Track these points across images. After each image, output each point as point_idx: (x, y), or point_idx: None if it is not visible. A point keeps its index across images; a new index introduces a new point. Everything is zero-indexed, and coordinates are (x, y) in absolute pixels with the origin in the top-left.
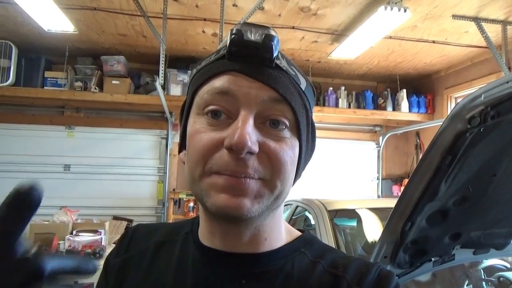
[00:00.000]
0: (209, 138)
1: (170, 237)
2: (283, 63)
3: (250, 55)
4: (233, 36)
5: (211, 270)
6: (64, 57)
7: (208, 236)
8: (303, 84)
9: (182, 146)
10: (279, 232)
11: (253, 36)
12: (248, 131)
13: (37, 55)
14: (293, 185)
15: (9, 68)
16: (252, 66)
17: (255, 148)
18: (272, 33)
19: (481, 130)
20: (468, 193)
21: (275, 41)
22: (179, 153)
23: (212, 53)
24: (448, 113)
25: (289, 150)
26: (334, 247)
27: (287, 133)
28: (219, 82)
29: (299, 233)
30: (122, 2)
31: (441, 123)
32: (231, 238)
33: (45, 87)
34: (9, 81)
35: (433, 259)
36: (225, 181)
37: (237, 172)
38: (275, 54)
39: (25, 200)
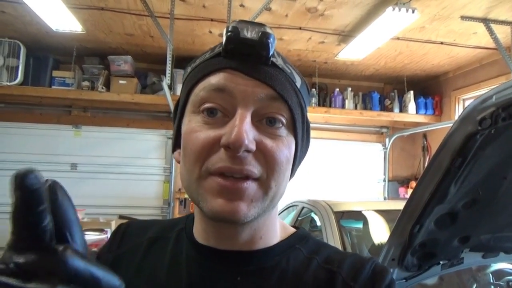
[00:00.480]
0: (205, 137)
1: (163, 233)
2: (279, 61)
3: (247, 53)
4: (229, 33)
5: (205, 267)
6: (72, 56)
7: (203, 234)
8: (298, 82)
9: (176, 145)
10: (274, 230)
11: (249, 33)
12: (245, 129)
13: (45, 55)
14: (289, 180)
15: (17, 67)
16: (248, 64)
17: (252, 147)
18: (268, 30)
19: (492, 132)
20: (477, 195)
21: (271, 39)
22: (173, 152)
23: (206, 50)
24: (456, 115)
25: (285, 149)
26: (340, 249)
27: (283, 131)
28: (215, 79)
29: (293, 230)
30: (129, 2)
31: (448, 125)
32: (226, 238)
33: (52, 87)
34: (17, 80)
35: (441, 262)
36: (221, 185)
37: (234, 171)
38: (271, 52)
39: (24, 188)
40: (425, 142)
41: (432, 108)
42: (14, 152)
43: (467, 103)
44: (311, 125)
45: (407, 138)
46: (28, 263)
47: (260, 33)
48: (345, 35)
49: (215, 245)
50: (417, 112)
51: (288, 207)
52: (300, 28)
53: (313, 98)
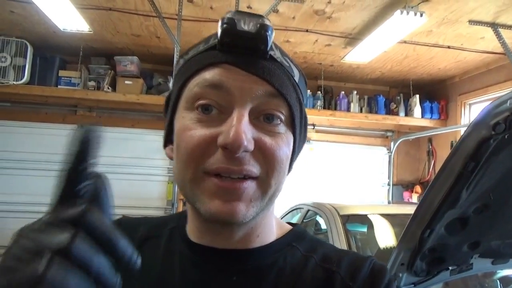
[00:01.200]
0: (200, 135)
1: (154, 232)
2: (277, 54)
3: (244, 46)
4: (225, 25)
5: (200, 266)
6: (78, 56)
7: (197, 233)
8: (296, 76)
9: (167, 140)
10: (271, 228)
11: (246, 26)
12: (243, 129)
13: (52, 54)
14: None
15: (24, 66)
16: (245, 58)
17: (251, 147)
18: (267, 22)
19: (506, 137)
20: (489, 201)
21: (269, 31)
22: (164, 147)
23: (199, 42)
24: (462, 119)
25: (285, 147)
26: None
27: (282, 128)
28: (210, 74)
29: (289, 227)
30: (137, 2)
31: (454, 130)
32: (222, 237)
33: (59, 86)
34: (24, 80)
35: (450, 267)
36: (218, 186)
37: (232, 172)
38: (269, 45)
39: (86, 138)
40: (430, 147)
41: (438, 112)
42: (19, 151)
43: (473, 107)
44: (316, 127)
45: (412, 142)
46: (57, 215)
47: (258, 25)
48: (352, 38)
49: (210, 244)
50: (422, 116)
51: (293, 210)
52: (307, 31)
53: (319, 101)
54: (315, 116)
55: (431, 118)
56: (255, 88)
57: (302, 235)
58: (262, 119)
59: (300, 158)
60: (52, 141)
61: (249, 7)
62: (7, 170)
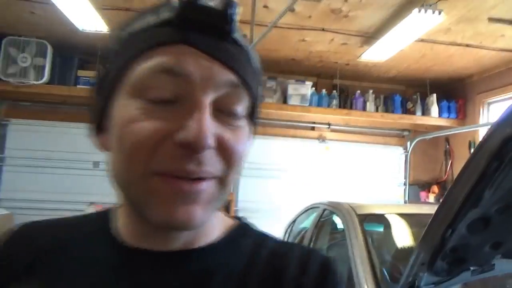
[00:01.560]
0: (151, 129)
1: (72, 235)
2: (238, 37)
3: (206, 24)
4: None
5: (136, 274)
6: (96, 56)
7: (136, 236)
8: (255, 62)
9: (99, 128)
10: (215, 223)
11: (210, 0)
12: (207, 125)
13: (71, 54)
14: None
15: (44, 66)
16: (207, 39)
17: (214, 144)
18: None
19: None
20: None
21: (235, 9)
22: (94, 136)
23: (146, 11)
24: (481, 119)
25: (246, 141)
26: (364, 253)
27: (242, 121)
28: (165, 58)
29: (232, 221)
30: (154, 3)
31: (472, 129)
32: (167, 239)
33: (77, 86)
34: (44, 79)
35: (472, 268)
36: (172, 188)
37: (190, 173)
38: (235, 26)
39: None
40: (448, 146)
41: (456, 111)
42: (39, 149)
43: (492, 107)
44: (331, 127)
45: (429, 142)
46: None
47: (223, 1)
48: (369, 37)
49: (150, 247)
50: (440, 116)
51: (308, 209)
52: (323, 29)
53: (334, 100)
54: (331, 115)
55: (448, 117)
56: (218, 76)
57: (247, 229)
58: (222, 111)
59: (316, 158)
60: (71, 140)
61: (265, 6)
62: (27, 168)
